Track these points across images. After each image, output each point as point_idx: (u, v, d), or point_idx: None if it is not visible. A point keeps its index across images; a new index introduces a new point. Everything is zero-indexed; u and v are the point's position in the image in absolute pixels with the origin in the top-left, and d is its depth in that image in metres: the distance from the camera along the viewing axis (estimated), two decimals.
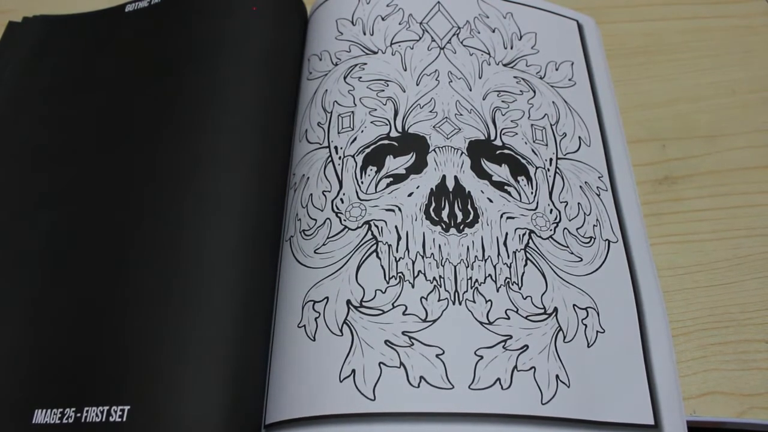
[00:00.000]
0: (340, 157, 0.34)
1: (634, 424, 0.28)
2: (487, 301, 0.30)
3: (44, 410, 0.28)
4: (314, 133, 0.35)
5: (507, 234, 0.32)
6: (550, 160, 0.35)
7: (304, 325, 0.29)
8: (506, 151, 0.34)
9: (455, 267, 0.30)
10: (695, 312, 0.33)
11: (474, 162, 0.34)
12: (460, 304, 0.29)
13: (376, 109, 0.35)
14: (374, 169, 0.33)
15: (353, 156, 0.34)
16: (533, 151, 0.35)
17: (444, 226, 0.31)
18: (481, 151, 0.34)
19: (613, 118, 0.38)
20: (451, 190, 0.32)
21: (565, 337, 0.30)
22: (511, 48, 0.39)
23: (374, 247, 0.31)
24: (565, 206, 0.34)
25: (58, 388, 0.28)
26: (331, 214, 0.32)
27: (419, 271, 0.30)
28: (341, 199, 0.32)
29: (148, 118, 0.36)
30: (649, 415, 0.29)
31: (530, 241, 0.32)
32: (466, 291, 0.30)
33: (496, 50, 0.39)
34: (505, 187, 0.33)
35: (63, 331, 0.30)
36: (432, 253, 0.31)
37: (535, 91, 0.38)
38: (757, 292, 0.34)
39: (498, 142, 0.35)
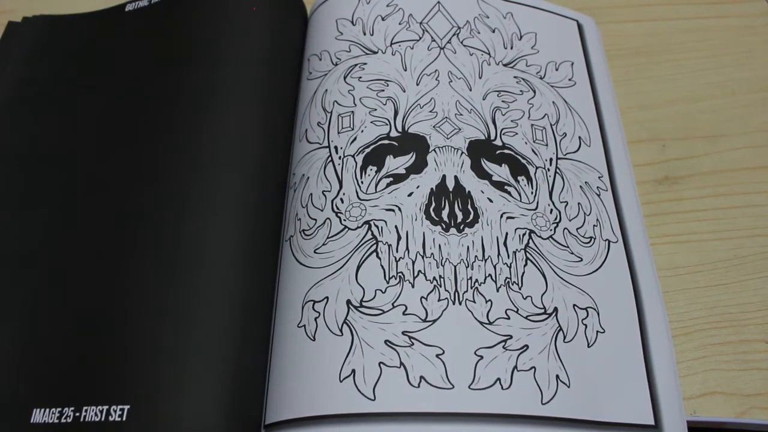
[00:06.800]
0: (340, 157, 0.34)
1: (634, 424, 0.28)
2: (487, 301, 0.30)
3: (43, 409, 0.28)
4: (314, 133, 0.35)
5: (507, 234, 0.32)
6: (550, 160, 0.35)
7: (304, 325, 0.29)
8: (506, 151, 0.34)
9: (455, 267, 0.30)
10: (695, 312, 0.33)
11: (474, 162, 0.34)
12: (460, 304, 0.29)
13: (376, 109, 0.35)
14: (374, 168, 0.33)
15: (353, 156, 0.34)
16: (533, 151, 0.35)
17: (444, 226, 0.31)
18: (481, 151, 0.34)
19: (613, 118, 0.38)
20: (451, 190, 0.32)
21: (565, 337, 0.30)
22: (511, 48, 0.39)
23: (374, 247, 0.31)
24: (565, 206, 0.34)
25: (57, 387, 0.28)
26: (331, 213, 0.32)
27: (419, 271, 0.30)
28: (341, 199, 0.32)
29: (148, 118, 0.36)
30: (649, 415, 0.29)
31: (530, 241, 0.32)
32: (466, 291, 0.30)
33: (496, 50, 0.39)
34: (505, 187, 0.33)
35: (62, 330, 0.30)
36: (432, 253, 0.31)
37: (535, 91, 0.38)
38: (757, 292, 0.34)
39: (498, 142, 0.35)
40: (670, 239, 0.36)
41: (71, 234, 0.33)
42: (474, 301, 0.30)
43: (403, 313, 0.29)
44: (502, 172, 0.34)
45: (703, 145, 0.39)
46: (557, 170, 0.35)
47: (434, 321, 0.29)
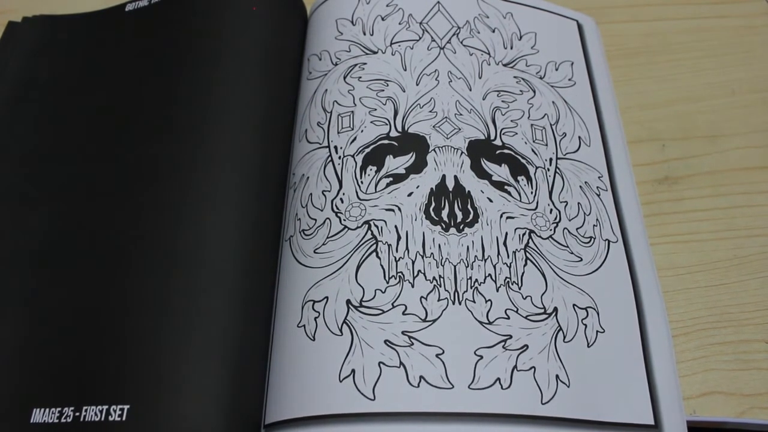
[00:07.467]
0: (339, 157, 0.34)
1: (634, 424, 0.28)
2: (486, 301, 0.30)
3: (42, 409, 0.28)
4: (314, 133, 0.35)
5: (507, 234, 0.32)
6: (550, 159, 0.35)
7: (304, 325, 0.29)
8: (506, 151, 0.34)
9: (455, 267, 0.30)
10: (695, 312, 0.33)
11: (474, 162, 0.34)
12: (459, 303, 0.29)
13: (375, 109, 0.35)
14: (374, 168, 0.33)
15: (353, 156, 0.34)
16: (533, 150, 0.35)
17: (444, 226, 0.31)
18: (481, 151, 0.34)
19: (613, 118, 0.38)
20: (450, 189, 0.32)
21: (565, 337, 0.30)
22: (511, 48, 0.39)
23: (374, 247, 0.31)
24: (565, 206, 0.34)
25: (57, 386, 0.28)
26: (331, 213, 0.32)
27: (419, 271, 0.30)
28: (341, 199, 0.32)
29: (148, 119, 0.36)
30: (649, 415, 0.29)
31: (530, 240, 0.32)
32: (466, 291, 0.30)
33: (496, 50, 0.39)
34: (505, 187, 0.33)
35: (62, 330, 0.30)
36: (432, 253, 0.31)
37: (535, 91, 0.38)
38: (757, 292, 0.34)
39: (498, 142, 0.35)
40: (670, 239, 0.36)
41: (71, 234, 0.33)
42: (474, 301, 0.30)
43: (403, 313, 0.29)
44: (501, 172, 0.34)
45: (703, 145, 0.39)
46: (557, 170, 0.35)
47: (434, 321, 0.29)
